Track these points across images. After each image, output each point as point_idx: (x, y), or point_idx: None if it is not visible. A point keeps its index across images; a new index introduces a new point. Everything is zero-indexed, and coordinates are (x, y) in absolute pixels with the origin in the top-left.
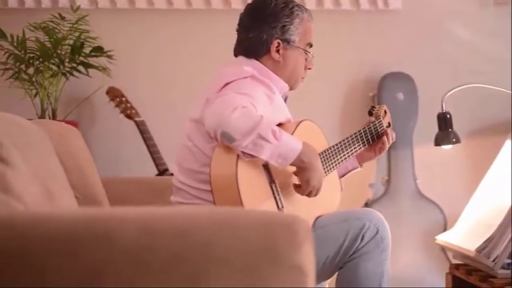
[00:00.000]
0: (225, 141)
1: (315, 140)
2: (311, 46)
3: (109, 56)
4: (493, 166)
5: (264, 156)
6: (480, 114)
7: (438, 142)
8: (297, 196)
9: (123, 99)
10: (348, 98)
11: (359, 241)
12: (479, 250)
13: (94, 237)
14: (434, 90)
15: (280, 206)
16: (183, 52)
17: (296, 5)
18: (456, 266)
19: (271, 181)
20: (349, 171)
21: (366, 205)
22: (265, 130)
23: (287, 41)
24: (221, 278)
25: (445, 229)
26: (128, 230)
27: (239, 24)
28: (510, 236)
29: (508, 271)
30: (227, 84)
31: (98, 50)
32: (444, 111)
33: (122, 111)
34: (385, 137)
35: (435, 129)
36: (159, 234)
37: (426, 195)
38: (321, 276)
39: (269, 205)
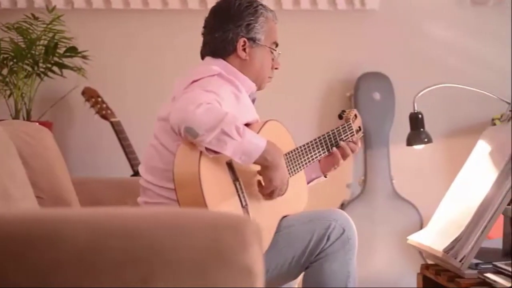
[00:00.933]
0: (189, 137)
1: (281, 140)
2: (276, 45)
3: (84, 57)
4: (465, 166)
5: (228, 152)
6: (458, 114)
7: (410, 142)
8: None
9: (99, 99)
10: (325, 98)
11: (324, 241)
12: (447, 250)
13: (42, 238)
14: (410, 90)
15: (244, 204)
16: (159, 52)
17: (261, 4)
18: (427, 266)
19: (235, 179)
20: (313, 180)
21: (342, 205)
22: (229, 126)
23: (253, 40)
24: (170, 279)
25: (421, 229)
26: (76, 231)
27: (204, 27)
28: (477, 236)
29: (475, 271)
30: (194, 81)
31: (72, 51)
32: (415, 111)
33: (98, 112)
34: (347, 145)
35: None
36: (107, 235)
37: (402, 195)
38: (288, 276)
39: (232, 203)
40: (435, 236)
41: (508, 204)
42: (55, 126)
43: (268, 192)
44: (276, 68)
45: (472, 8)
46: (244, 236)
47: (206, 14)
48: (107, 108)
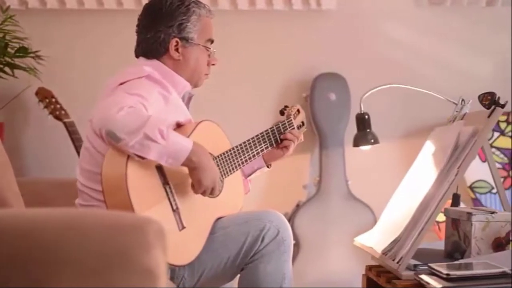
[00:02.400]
0: (111, 141)
1: (215, 140)
2: (212, 42)
3: (38, 57)
4: (412, 167)
5: (152, 156)
6: (414, 114)
7: (357, 143)
8: (197, 197)
9: (53, 100)
10: (282, 99)
11: (259, 242)
12: (386, 251)
13: None
14: (366, 90)
15: (174, 208)
16: (114, 52)
17: (193, 2)
18: (370, 268)
19: (165, 182)
20: (255, 171)
21: (298, 206)
22: (151, 130)
23: (185, 39)
24: (71, 279)
25: None
26: None
27: (137, 26)
28: (415, 237)
29: (411, 273)
30: (121, 84)
31: (23, 51)
32: (362, 112)
33: (51, 112)
34: (289, 137)
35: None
36: (4, 234)
37: (357, 196)
38: (223, 277)
39: (162, 207)
40: (378, 237)
41: (455, 205)
42: (7, 127)
43: (199, 193)
44: (213, 64)
45: (429, 8)
46: (146, 238)
47: None
48: (61, 108)
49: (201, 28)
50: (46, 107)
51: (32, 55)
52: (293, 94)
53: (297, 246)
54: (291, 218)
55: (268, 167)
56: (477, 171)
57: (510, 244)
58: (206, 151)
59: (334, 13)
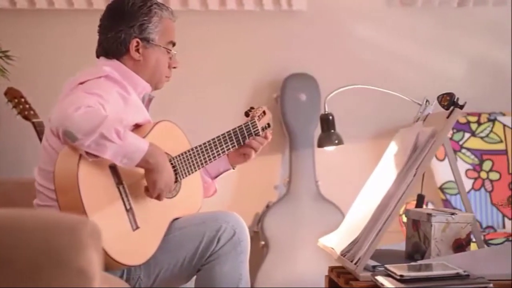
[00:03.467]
0: (68, 140)
1: (173, 141)
2: (174, 44)
3: (7, 57)
4: (376, 168)
5: (108, 156)
6: (386, 115)
7: (321, 143)
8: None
9: (22, 100)
10: (252, 99)
11: (215, 243)
12: (344, 252)
13: None
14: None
15: (128, 208)
16: (83, 52)
17: (155, 3)
18: (332, 268)
19: (119, 182)
20: (221, 173)
21: (267, 207)
22: (108, 130)
23: (146, 40)
24: (3, 280)
25: None
26: None
27: (99, 25)
28: (372, 238)
29: (368, 274)
30: (81, 83)
31: None
32: (326, 113)
33: (20, 112)
34: (254, 140)
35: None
36: None
37: (326, 196)
38: (180, 277)
39: (115, 207)
40: (339, 238)
41: (420, 206)
42: None
43: (155, 195)
44: (174, 67)
45: (401, 8)
46: (79, 238)
47: None
48: (30, 108)
49: (163, 29)
50: (14, 107)
51: (0, 55)
52: (264, 95)
53: (266, 246)
54: (260, 219)
55: (233, 168)
56: (447, 172)
57: (471, 245)
58: (162, 152)
59: (305, 13)
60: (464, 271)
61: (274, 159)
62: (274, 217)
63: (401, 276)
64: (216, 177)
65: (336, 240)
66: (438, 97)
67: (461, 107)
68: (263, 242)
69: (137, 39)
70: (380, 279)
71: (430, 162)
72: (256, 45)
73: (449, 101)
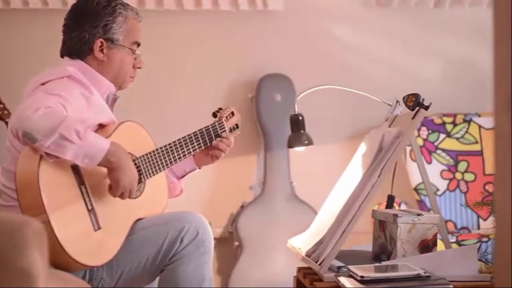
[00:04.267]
0: (27, 141)
1: (138, 141)
2: (138, 45)
3: None
4: (346, 169)
5: (68, 156)
6: (362, 116)
7: (291, 144)
8: (116, 198)
9: None
10: (228, 100)
11: (178, 243)
12: (309, 253)
13: None
14: (312, 91)
15: (90, 208)
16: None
17: (120, 3)
18: (300, 269)
19: (81, 182)
20: (187, 173)
21: (242, 207)
22: (67, 130)
23: (110, 40)
24: None
25: None
26: None
27: (63, 25)
28: (337, 239)
29: (332, 275)
30: (43, 84)
31: None
32: (296, 113)
33: None
34: (221, 142)
35: (312, 130)
36: None
37: (301, 197)
38: (143, 278)
39: (76, 207)
40: (306, 239)
41: (390, 207)
42: None
43: (118, 195)
44: (139, 67)
45: (377, 9)
46: (22, 238)
47: None
48: (4, 108)
49: (127, 30)
50: None
51: None
52: (239, 95)
53: (240, 247)
54: (235, 219)
55: (199, 168)
56: None
57: (437, 246)
58: (125, 151)
59: (280, 13)
60: (425, 272)
61: (250, 160)
62: (248, 218)
63: (361, 277)
64: (182, 177)
65: (304, 241)
66: (403, 98)
67: (427, 108)
68: (237, 243)
69: (101, 39)
70: (342, 279)
71: (395, 163)
72: (232, 45)
73: (414, 102)
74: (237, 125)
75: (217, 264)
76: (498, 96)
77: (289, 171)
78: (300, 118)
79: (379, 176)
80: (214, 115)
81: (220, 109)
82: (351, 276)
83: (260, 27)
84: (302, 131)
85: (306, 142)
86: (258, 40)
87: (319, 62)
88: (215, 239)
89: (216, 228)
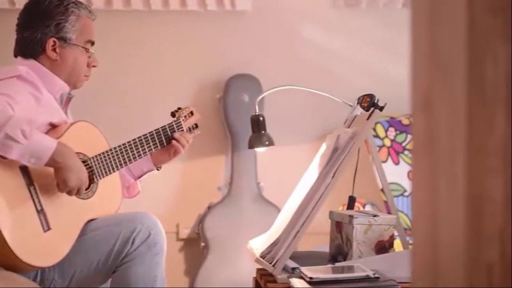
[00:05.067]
0: None
1: (90, 141)
2: (93, 43)
3: None
4: (307, 170)
5: (14, 156)
6: (327, 116)
7: (251, 144)
8: (67, 198)
9: None
10: (196, 100)
11: (129, 244)
12: (264, 254)
13: None
14: (280, 92)
15: (39, 208)
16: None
17: (73, 2)
18: (258, 270)
19: (30, 183)
20: (145, 173)
21: (209, 208)
22: (13, 130)
23: (63, 39)
24: None
25: None
26: None
27: (16, 24)
28: (290, 240)
29: (285, 276)
30: None
31: None
32: (257, 114)
33: None
34: (178, 141)
35: (280, 131)
36: None
37: (268, 197)
38: (95, 279)
39: (25, 208)
40: (263, 240)
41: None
42: None
43: (64, 192)
44: (94, 66)
45: (345, 9)
46: None
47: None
48: None
49: (80, 28)
50: None
51: None
52: (207, 95)
53: (206, 247)
54: (201, 220)
55: (157, 169)
56: (390, 174)
57: (394, 248)
58: (72, 151)
59: (249, 14)
60: (375, 274)
61: (218, 160)
62: (215, 218)
63: (310, 278)
64: (139, 177)
65: (260, 242)
66: (358, 98)
67: (381, 108)
68: (203, 243)
69: (54, 39)
70: (294, 281)
71: (348, 163)
72: (200, 45)
73: (369, 103)
74: (196, 125)
75: (184, 265)
76: (415, 96)
77: (256, 172)
78: (261, 118)
79: (333, 177)
80: (173, 114)
81: (179, 108)
82: (302, 277)
83: (228, 27)
84: (263, 132)
85: (267, 142)
86: (226, 41)
87: (287, 62)
88: (183, 240)
89: (184, 229)
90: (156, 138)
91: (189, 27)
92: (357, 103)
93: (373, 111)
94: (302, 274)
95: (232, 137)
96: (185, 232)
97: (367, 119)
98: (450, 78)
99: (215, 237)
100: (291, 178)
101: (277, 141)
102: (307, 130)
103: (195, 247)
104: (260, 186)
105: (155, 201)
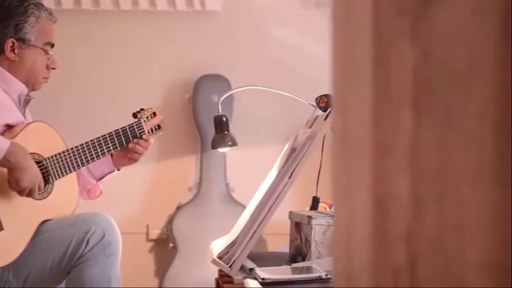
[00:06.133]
0: None
1: (46, 141)
2: (52, 45)
3: None
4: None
5: None
6: (298, 117)
7: (214, 145)
8: (21, 199)
9: None
10: (166, 101)
11: (84, 245)
12: (222, 255)
13: None
14: (250, 92)
15: None
16: None
17: (33, 3)
18: (220, 270)
19: None
20: (106, 174)
21: (178, 208)
22: None
23: (22, 40)
24: None
25: None
26: None
27: None
28: (246, 241)
29: (240, 277)
30: None
31: None
32: (220, 114)
33: None
34: (137, 145)
35: (250, 131)
36: None
37: (237, 198)
38: (50, 280)
39: None
40: (223, 241)
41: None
42: None
43: (16, 191)
44: (53, 68)
45: (316, 10)
46: None
47: (62, 13)
48: None
49: (40, 30)
50: None
51: None
52: (177, 96)
53: (175, 248)
54: (170, 220)
55: (117, 169)
56: None
57: None
58: (25, 151)
59: (219, 14)
60: (327, 275)
61: (189, 160)
62: (184, 219)
63: (262, 279)
64: (101, 178)
65: (220, 243)
66: (316, 99)
67: None
68: (172, 244)
69: (12, 39)
70: (248, 281)
71: (305, 164)
72: (169, 45)
73: (326, 103)
74: (159, 126)
75: (154, 265)
76: (334, 97)
77: (225, 172)
78: (224, 119)
79: (289, 177)
80: (135, 115)
81: (141, 109)
82: (256, 278)
83: (198, 28)
84: (226, 132)
85: (230, 143)
86: (196, 41)
87: (257, 63)
88: (153, 240)
89: (154, 230)
90: (115, 139)
91: (159, 27)
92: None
93: (330, 111)
94: (255, 275)
95: (202, 137)
96: (155, 233)
97: (325, 119)
98: (359, 78)
99: (183, 238)
100: (260, 178)
101: (247, 142)
102: (277, 130)
103: (165, 248)
104: (229, 186)
105: (125, 201)
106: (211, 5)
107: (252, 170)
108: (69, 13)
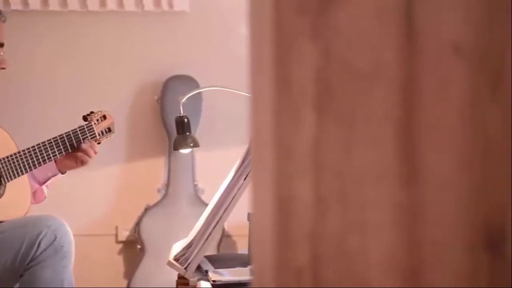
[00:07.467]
0: None
1: None
2: (2, 45)
3: None
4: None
5: None
6: None
7: (176, 146)
8: None
9: None
10: (134, 102)
11: (35, 248)
12: (178, 256)
13: None
14: (219, 93)
15: None
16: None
17: None
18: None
19: None
20: (49, 178)
21: (146, 210)
22: None
23: None
24: None
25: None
26: None
27: None
28: (202, 243)
29: (195, 279)
30: None
31: None
32: (181, 115)
33: None
34: (85, 145)
35: (218, 132)
36: None
37: (207, 199)
38: (2, 283)
39: None
40: (182, 242)
41: None
42: None
43: None
44: (3, 68)
45: None
46: None
47: (48, 14)
48: None
49: None
50: None
51: None
52: (145, 96)
53: (142, 250)
54: (137, 222)
55: (62, 173)
56: None
57: None
58: None
59: (187, 14)
60: None
61: (157, 162)
62: (151, 220)
63: (213, 281)
64: (44, 182)
65: (179, 244)
66: None
67: None
68: (139, 246)
69: None
70: (202, 283)
71: None
72: (137, 46)
73: None
74: (109, 129)
75: (124, 267)
76: (251, 98)
77: (193, 173)
78: (185, 120)
79: (245, 179)
80: (85, 118)
81: (91, 112)
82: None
83: (166, 28)
84: (187, 133)
85: (191, 144)
86: (164, 41)
87: (225, 63)
88: (121, 242)
89: (123, 231)
90: (66, 141)
91: (127, 28)
92: None
93: None
94: (207, 277)
95: (170, 139)
96: (124, 234)
97: None
98: (264, 78)
99: (151, 239)
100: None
101: (216, 142)
102: (246, 131)
103: (135, 249)
104: (197, 187)
105: (94, 203)
106: (179, 6)
107: (221, 171)
108: (36, 14)
